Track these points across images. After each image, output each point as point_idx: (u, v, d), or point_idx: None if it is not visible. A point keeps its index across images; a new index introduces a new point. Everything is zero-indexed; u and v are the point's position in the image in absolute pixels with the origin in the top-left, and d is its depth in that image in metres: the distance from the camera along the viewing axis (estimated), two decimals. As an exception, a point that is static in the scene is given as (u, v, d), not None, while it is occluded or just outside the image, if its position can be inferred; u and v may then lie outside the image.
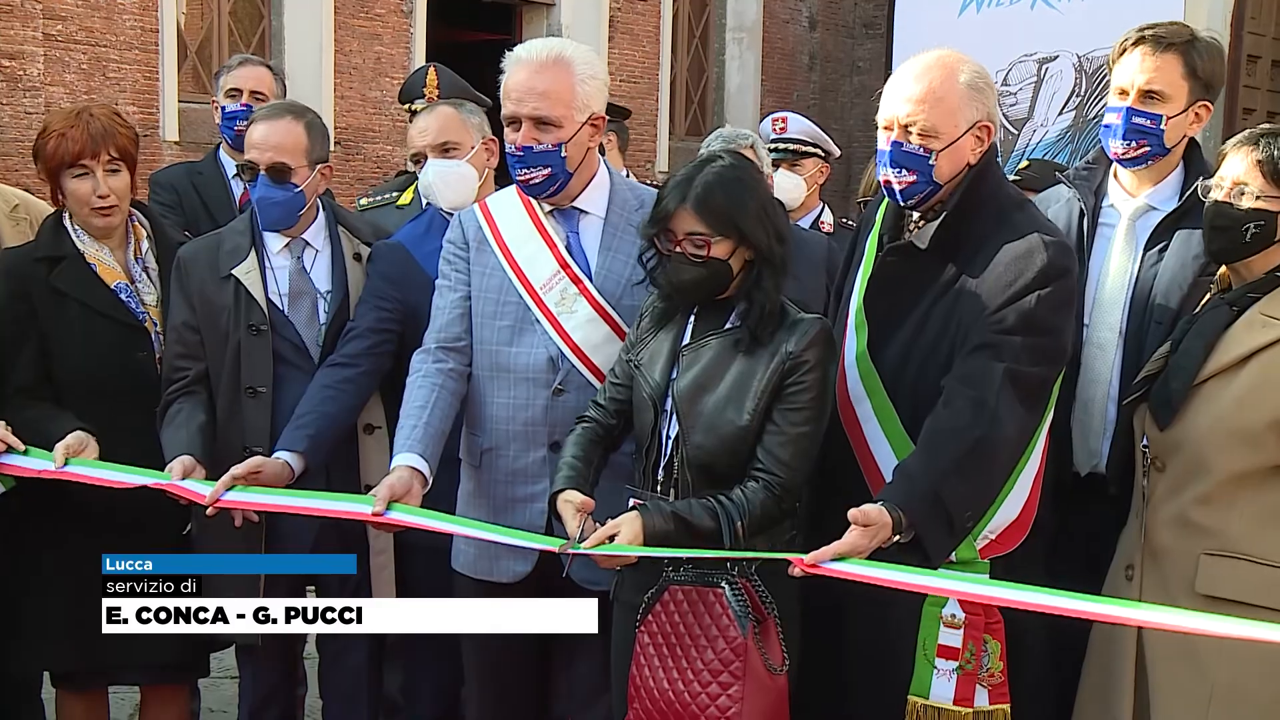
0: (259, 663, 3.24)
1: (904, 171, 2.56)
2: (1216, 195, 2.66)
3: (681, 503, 2.50)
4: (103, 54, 8.45)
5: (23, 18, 7.93)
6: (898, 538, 2.38)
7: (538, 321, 2.79)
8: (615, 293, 2.80)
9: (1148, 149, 2.85)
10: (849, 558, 2.32)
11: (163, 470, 2.85)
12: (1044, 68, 10.61)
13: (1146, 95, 2.85)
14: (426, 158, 3.39)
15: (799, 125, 4.61)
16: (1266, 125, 2.73)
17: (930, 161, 2.55)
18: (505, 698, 3.00)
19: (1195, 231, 2.79)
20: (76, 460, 2.87)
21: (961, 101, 2.56)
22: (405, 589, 3.16)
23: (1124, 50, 2.91)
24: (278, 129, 3.05)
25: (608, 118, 3.04)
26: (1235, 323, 2.62)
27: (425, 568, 3.06)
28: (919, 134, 2.55)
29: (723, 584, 2.45)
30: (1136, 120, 2.84)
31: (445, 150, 3.36)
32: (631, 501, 2.57)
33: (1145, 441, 2.71)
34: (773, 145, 4.54)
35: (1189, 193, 2.88)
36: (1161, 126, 2.84)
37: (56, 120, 3.15)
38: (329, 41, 9.48)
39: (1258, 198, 2.59)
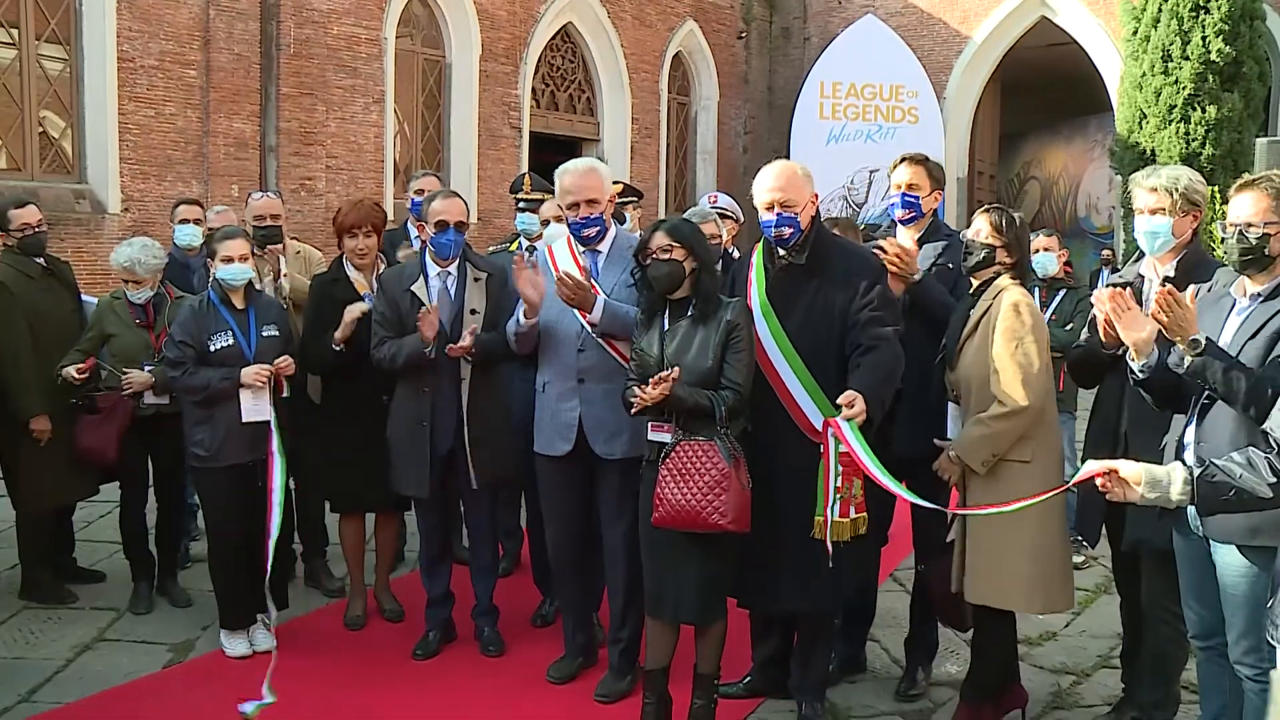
0: (427, 511, 3.70)
1: (784, 227, 2.92)
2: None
3: (694, 389, 2.78)
4: (355, 174, 10.00)
5: (314, 157, 9.64)
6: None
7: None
8: (611, 293, 3.19)
9: (914, 214, 3.35)
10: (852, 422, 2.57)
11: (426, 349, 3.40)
12: (872, 175, 14.28)
13: (910, 186, 3.31)
14: (550, 222, 3.88)
15: (724, 200, 5.27)
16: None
17: (797, 219, 2.88)
18: (566, 524, 3.43)
19: (927, 245, 3.20)
20: None
21: (804, 183, 2.92)
22: (519, 460, 3.51)
23: (899, 164, 3.41)
24: (458, 203, 3.50)
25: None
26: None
27: (525, 451, 3.44)
28: (783, 205, 2.89)
29: (715, 439, 2.78)
30: (909, 198, 3.33)
31: (559, 218, 3.77)
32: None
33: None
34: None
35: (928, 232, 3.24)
36: (920, 203, 3.32)
37: (346, 206, 3.79)
38: (474, 162, 11.33)
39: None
